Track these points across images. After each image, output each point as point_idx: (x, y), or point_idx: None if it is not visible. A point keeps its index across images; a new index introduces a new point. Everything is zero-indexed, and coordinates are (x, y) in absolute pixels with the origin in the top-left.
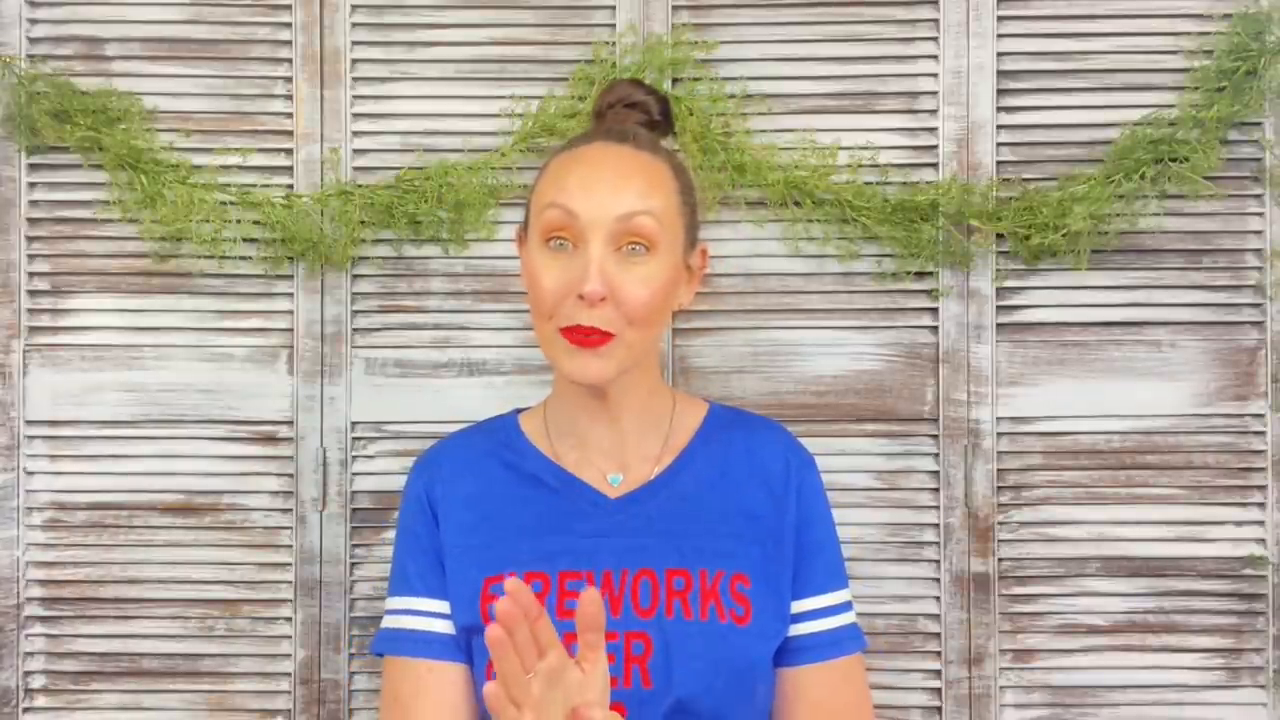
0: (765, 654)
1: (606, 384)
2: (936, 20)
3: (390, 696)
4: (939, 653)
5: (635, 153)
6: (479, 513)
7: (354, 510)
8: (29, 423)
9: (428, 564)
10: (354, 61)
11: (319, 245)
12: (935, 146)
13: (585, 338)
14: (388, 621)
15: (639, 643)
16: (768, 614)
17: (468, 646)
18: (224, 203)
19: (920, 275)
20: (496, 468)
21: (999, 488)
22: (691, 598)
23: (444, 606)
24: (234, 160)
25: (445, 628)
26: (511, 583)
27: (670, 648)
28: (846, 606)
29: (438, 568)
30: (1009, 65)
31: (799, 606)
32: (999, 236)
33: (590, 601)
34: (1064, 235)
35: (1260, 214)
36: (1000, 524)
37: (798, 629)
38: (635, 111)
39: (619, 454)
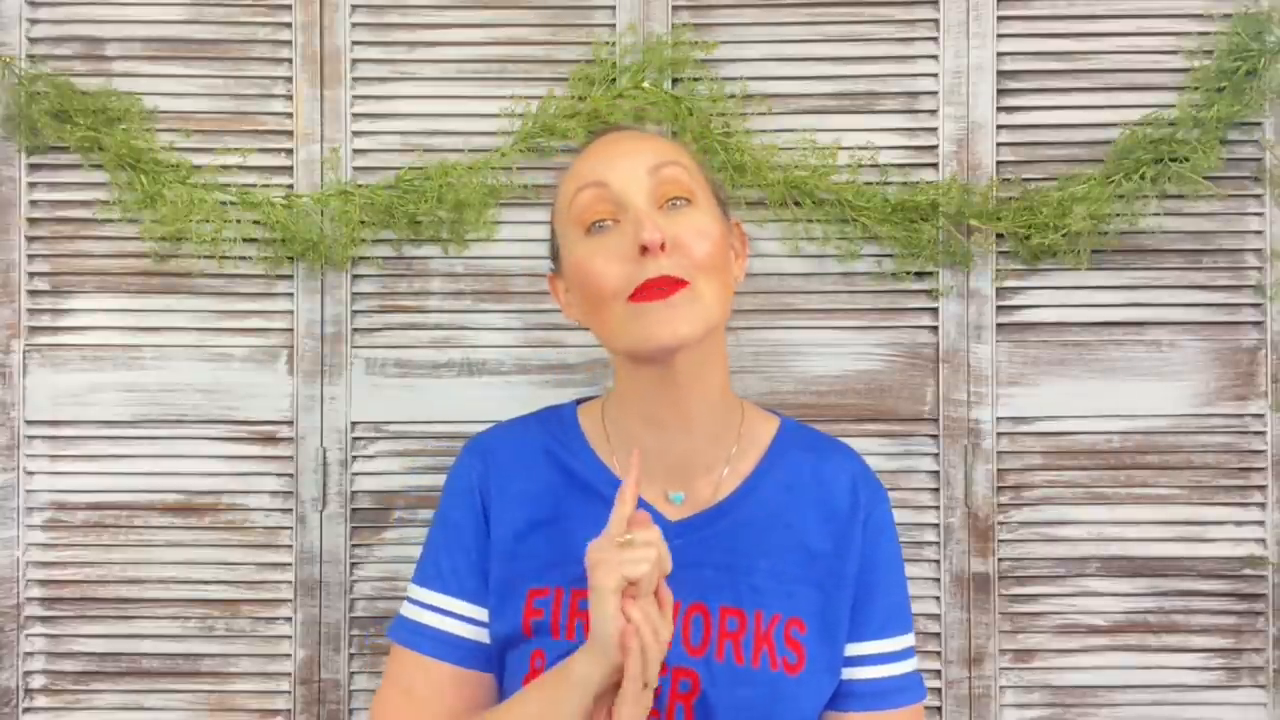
0: (815, 705)
1: (686, 346)
2: (936, 20)
3: (401, 688)
4: (939, 653)
5: (644, 131)
6: (530, 517)
7: (354, 510)
8: (29, 423)
9: (467, 565)
10: (354, 61)
11: (319, 245)
12: (935, 146)
13: (656, 289)
14: (412, 612)
15: (686, 680)
16: (821, 663)
17: (500, 657)
18: (224, 203)
19: (920, 275)
20: (551, 470)
21: (999, 488)
22: (744, 641)
23: (478, 612)
24: (234, 160)
25: (474, 634)
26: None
27: (717, 692)
28: (907, 654)
29: (478, 572)
30: (1009, 65)
31: (854, 649)
32: (999, 236)
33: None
34: (1064, 235)
35: (1260, 214)
36: (1000, 524)
37: (851, 673)
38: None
39: (683, 469)
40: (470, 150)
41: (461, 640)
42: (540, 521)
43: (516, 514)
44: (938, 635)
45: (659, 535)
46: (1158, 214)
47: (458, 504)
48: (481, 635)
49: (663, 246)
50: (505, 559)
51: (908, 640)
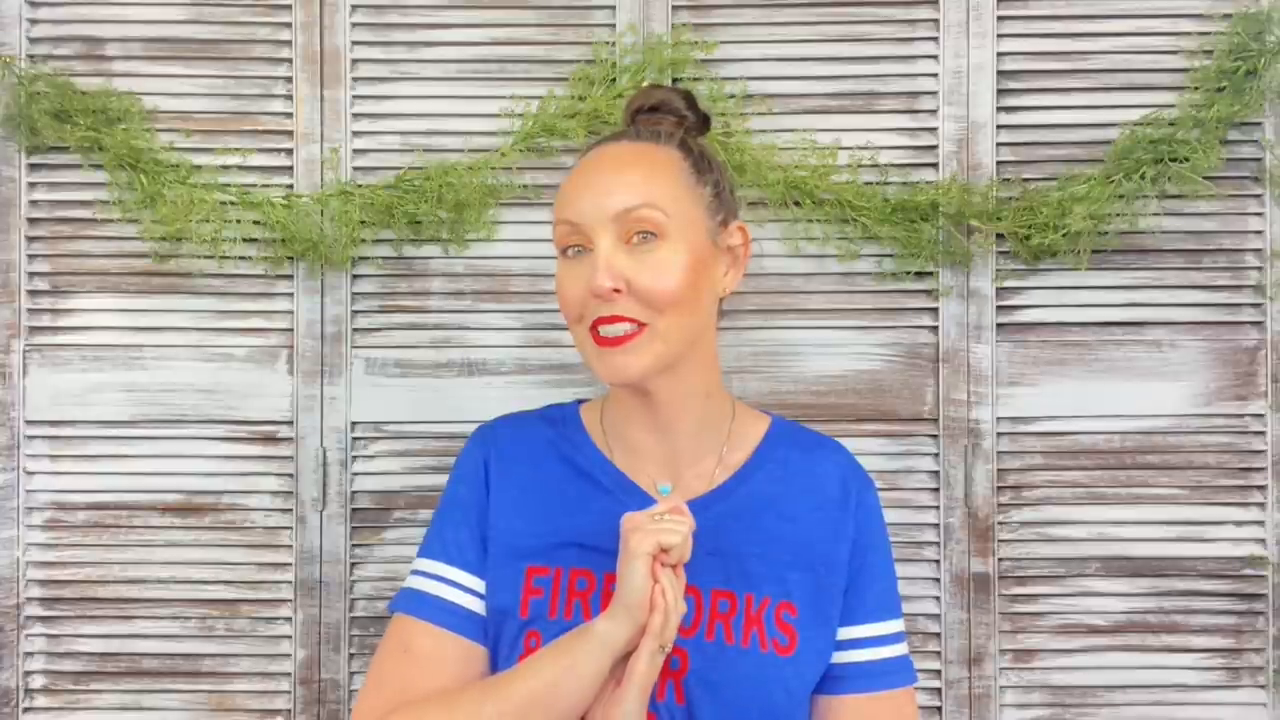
0: (804, 687)
1: (645, 380)
2: (936, 20)
3: (399, 647)
4: (939, 653)
5: (632, 145)
6: (532, 501)
7: (354, 510)
8: (29, 423)
9: (470, 538)
10: (354, 61)
11: (319, 245)
12: (935, 146)
13: (611, 333)
14: (416, 582)
15: (676, 658)
16: (812, 646)
17: (496, 630)
18: (224, 203)
19: (920, 275)
20: (554, 460)
21: (999, 488)
22: (735, 622)
23: (477, 583)
24: (234, 160)
25: (474, 605)
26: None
27: (706, 671)
28: (898, 637)
29: (479, 545)
30: (1009, 65)
31: (847, 633)
32: (999, 236)
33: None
34: (1064, 235)
35: (1260, 214)
36: (1000, 524)
37: (844, 656)
38: (661, 114)
39: (671, 464)
40: (470, 150)
41: (461, 609)
42: (542, 506)
43: (518, 498)
44: (938, 635)
45: (692, 519)
46: (1158, 214)
47: (463, 483)
48: (481, 607)
49: (617, 290)
50: (505, 538)
51: (898, 625)
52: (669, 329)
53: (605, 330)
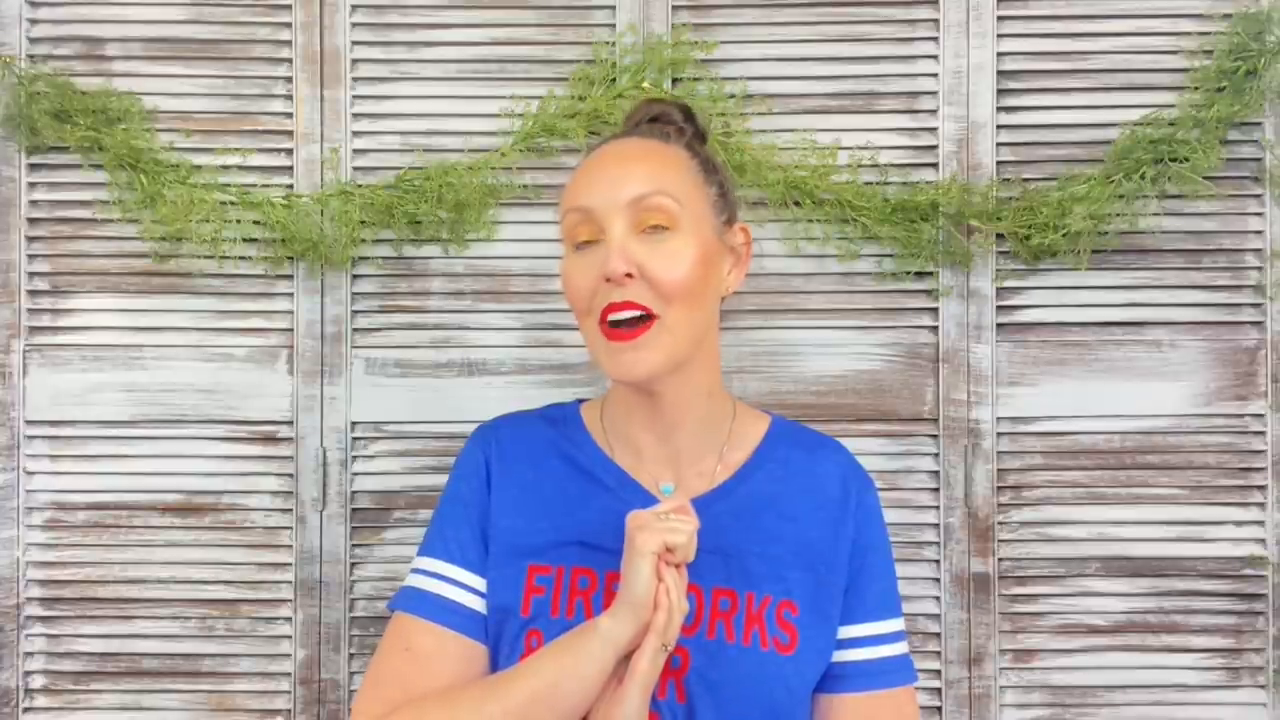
0: (805, 685)
1: (654, 380)
2: (936, 20)
3: (400, 645)
4: (939, 653)
5: (642, 141)
6: (533, 500)
7: (354, 510)
8: (29, 423)
9: (471, 537)
10: (354, 61)
11: (319, 245)
12: (935, 146)
13: (621, 319)
14: (417, 581)
15: (678, 657)
16: (813, 645)
17: (497, 629)
18: (224, 203)
19: (920, 275)
20: (555, 460)
21: (999, 488)
22: (736, 621)
23: (478, 582)
24: (234, 160)
25: (475, 604)
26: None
27: (707, 670)
28: (898, 636)
29: (480, 544)
30: (1009, 65)
31: (847, 632)
32: (999, 236)
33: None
34: (1064, 235)
35: (1260, 214)
36: (1000, 524)
37: (844, 655)
38: (660, 125)
39: (673, 464)
40: (470, 150)
41: (462, 607)
42: (543, 505)
43: (519, 497)
44: (938, 635)
45: (696, 519)
46: (1158, 214)
47: (464, 482)
48: (482, 605)
49: (630, 275)
50: (506, 537)
51: (898, 624)
52: (677, 322)
53: (615, 317)
